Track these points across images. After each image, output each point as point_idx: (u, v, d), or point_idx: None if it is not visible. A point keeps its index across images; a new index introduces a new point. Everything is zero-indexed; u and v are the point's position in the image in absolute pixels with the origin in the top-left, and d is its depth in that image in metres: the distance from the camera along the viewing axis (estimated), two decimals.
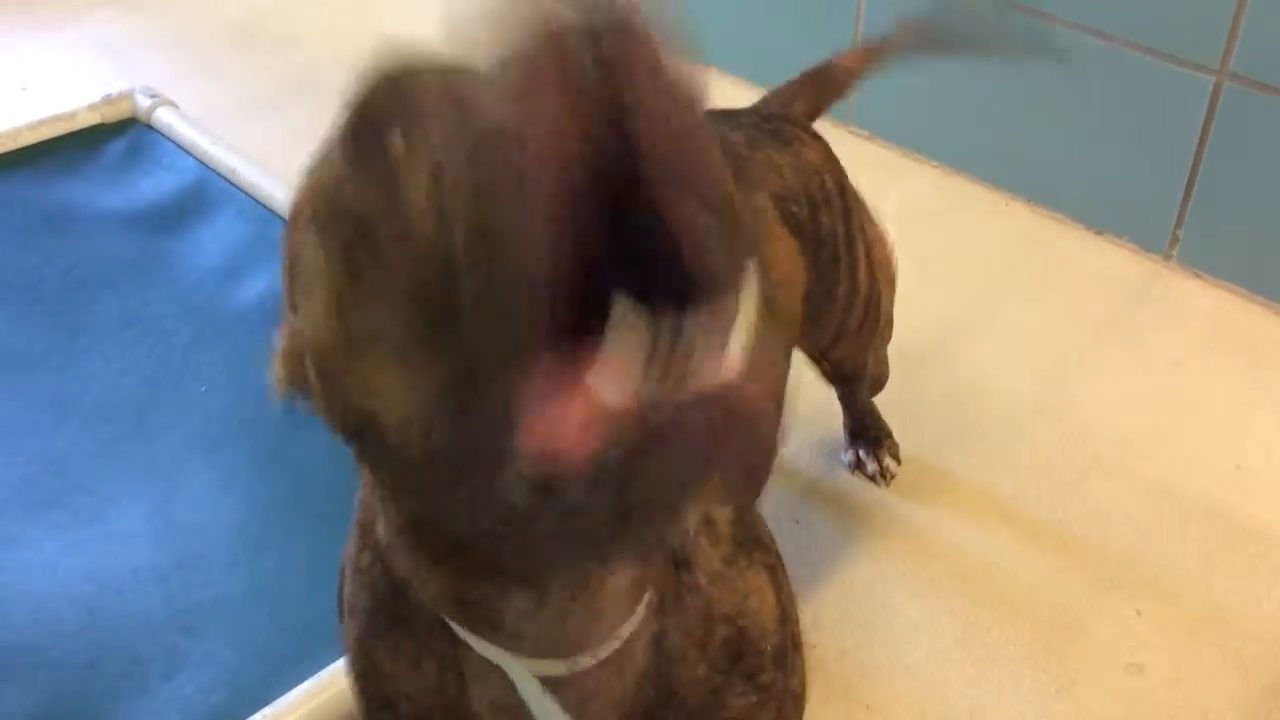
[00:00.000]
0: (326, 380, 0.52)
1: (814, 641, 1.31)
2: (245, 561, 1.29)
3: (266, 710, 1.10)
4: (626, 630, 0.62)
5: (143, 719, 1.13)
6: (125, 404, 1.51)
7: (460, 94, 0.43)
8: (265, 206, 1.83)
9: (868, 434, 1.52)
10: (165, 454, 1.44)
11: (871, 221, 1.25)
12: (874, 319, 1.26)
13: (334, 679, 1.11)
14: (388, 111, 0.44)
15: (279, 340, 0.58)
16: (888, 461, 1.51)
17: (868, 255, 1.21)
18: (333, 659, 1.10)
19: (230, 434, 1.46)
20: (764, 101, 1.30)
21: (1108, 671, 1.29)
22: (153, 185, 1.93)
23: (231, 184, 1.89)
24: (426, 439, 0.46)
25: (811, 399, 1.48)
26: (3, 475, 1.41)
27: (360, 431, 0.51)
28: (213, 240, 1.80)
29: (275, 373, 0.57)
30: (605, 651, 0.62)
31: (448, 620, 0.63)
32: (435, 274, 0.43)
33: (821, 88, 1.31)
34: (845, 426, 1.53)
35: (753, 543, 0.76)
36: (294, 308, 0.54)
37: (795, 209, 1.08)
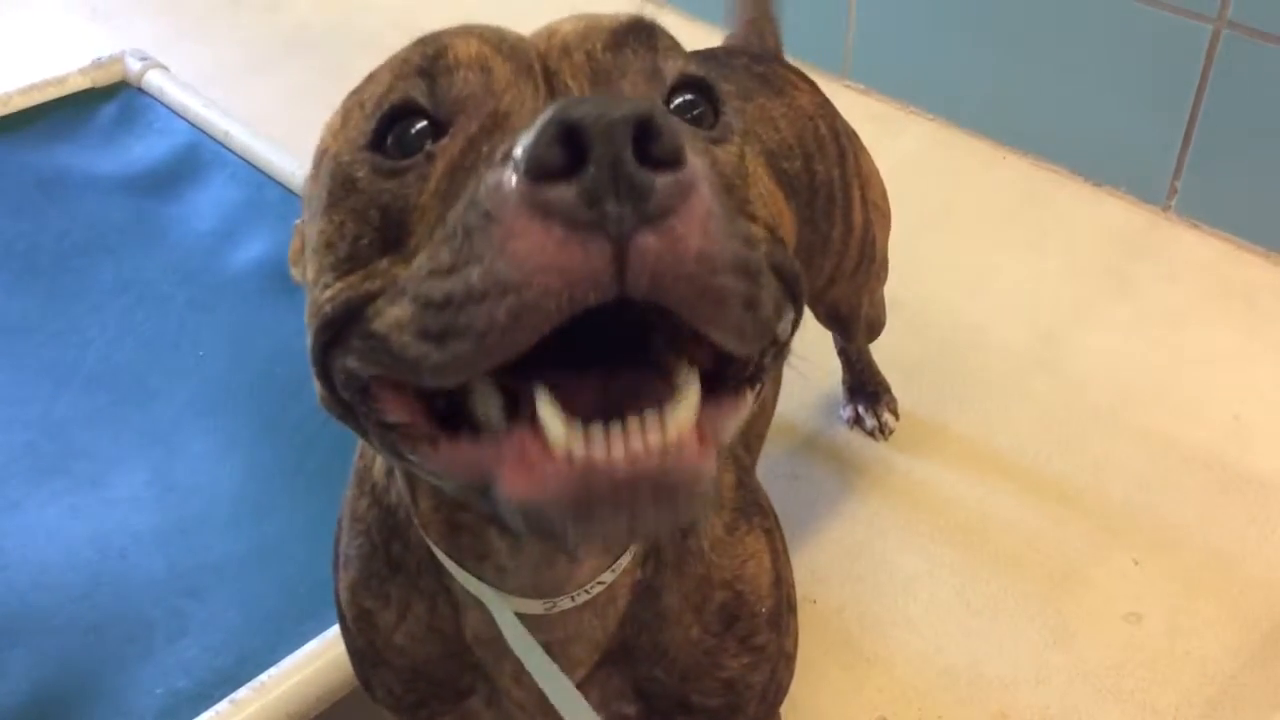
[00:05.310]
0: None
1: (814, 596, 1.32)
2: (247, 524, 1.30)
3: (272, 670, 1.11)
4: (609, 577, 0.63)
5: (149, 681, 1.14)
6: (123, 369, 1.51)
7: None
8: (259, 169, 1.82)
9: (866, 389, 1.52)
10: (165, 418, 1.43)
11: (866, 158, 1.25)
12: (869, 259, 1.26)
13: (338, 639, 1.11)
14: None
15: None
16: (886, 416, 1.51)
17: (862, 195, 1.21)
18: (336, 619, 1.11)
19: (229, 397, 1.46)
20: (741, 38, 1.29)
21: (1106, 622, 1.30)
22: (145, 149, 1.91)
23: (225, 147, 1.87)
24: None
25: (808, 355, 1.48)
26: (3, 442, 1.41)
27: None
28: (207, 204, 1.79)
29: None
30: (584, 596, 0.63)
31: (437, 552, 0.64)
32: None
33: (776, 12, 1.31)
34: (844, 382, 1.53)
35: (753, 507, 0.76)
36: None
37: (787, 165, 1.08)
